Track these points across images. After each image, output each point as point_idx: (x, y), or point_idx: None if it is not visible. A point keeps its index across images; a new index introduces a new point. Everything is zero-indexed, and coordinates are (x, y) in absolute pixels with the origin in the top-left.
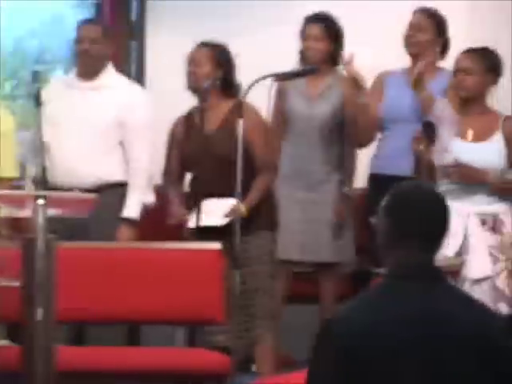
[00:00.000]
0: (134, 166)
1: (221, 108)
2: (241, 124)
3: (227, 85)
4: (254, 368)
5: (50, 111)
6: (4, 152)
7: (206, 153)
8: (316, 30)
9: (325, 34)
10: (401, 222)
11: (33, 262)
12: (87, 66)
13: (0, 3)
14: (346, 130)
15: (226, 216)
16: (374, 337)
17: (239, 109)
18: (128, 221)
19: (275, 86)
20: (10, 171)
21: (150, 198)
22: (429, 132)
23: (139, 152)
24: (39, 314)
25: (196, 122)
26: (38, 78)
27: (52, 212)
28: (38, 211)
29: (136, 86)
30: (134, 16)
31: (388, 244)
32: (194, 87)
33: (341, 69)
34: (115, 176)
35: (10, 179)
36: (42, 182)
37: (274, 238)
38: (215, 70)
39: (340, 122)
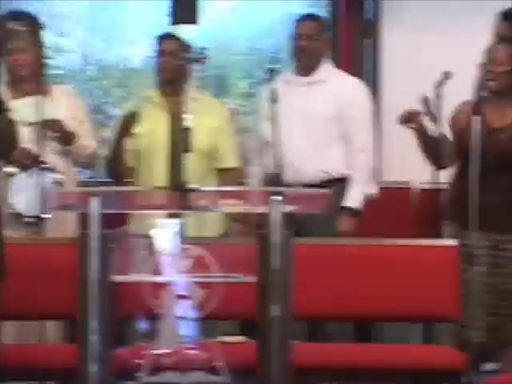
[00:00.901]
0: (357, 157)
1: None
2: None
3: None
4: (487, 367)
5: (269, 110)
6: (223, 143)
7: (490, 149)
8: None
9: None
10: None
11: (269, 257)
12: (304, 62)
13: (234, 3)
14: None
15: None
16: None
17: None
18: (349, 210)
19: None
20: (233, 161)
21: (373, 190)
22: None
23: (362, 144)
24: (275, 310)
25: (484, 115)
26: (273, 76)
27: (288, 208)
28: (274, 207)
29: (354, 79)
30: (368, 14)
31: None
32: (488, 86)
33: None
34: (339, 170)
35: (234, 169)
36: (278, 179)
37: None
38: None
39: None
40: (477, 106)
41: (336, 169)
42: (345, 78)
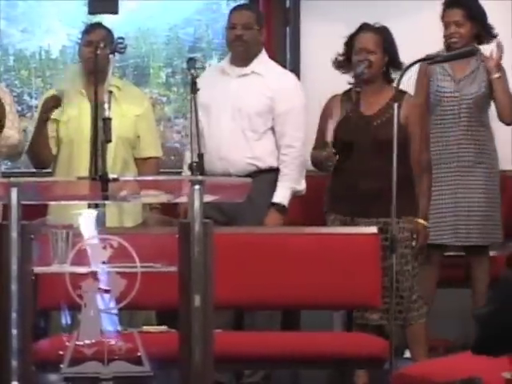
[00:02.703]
0: (286, 153)
1: (382, 94)
2: (399, 111)
3: (389, 71)
4: (407, 354)
5: (202, 98)
6: (144, 133)
7: (365, 137)
8: (456, 15)
9: (465, 18)
10: None
11: (189, 247)
12: (241, 52)
13: None
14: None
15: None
16: None
17: (401, 98)
18: (277, 206)
19: (420, 67)
20: (153, 151)
21: (302, 186)
22: None
23: (292, 139)
24: (197, 299)
25: (354, 105)
26: (193, 65)
27: (209, 198)
28: (195, 196)
29: (288, 73)
30: (288, 2)
31: None
32: (362, 75)
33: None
34: (266, 161)
35: (153, 159)
36: (199, 168)
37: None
38: (384, 55)
39: (487, 100)
40: (347, 96)
41: (264, 160)
42: (277, 71)
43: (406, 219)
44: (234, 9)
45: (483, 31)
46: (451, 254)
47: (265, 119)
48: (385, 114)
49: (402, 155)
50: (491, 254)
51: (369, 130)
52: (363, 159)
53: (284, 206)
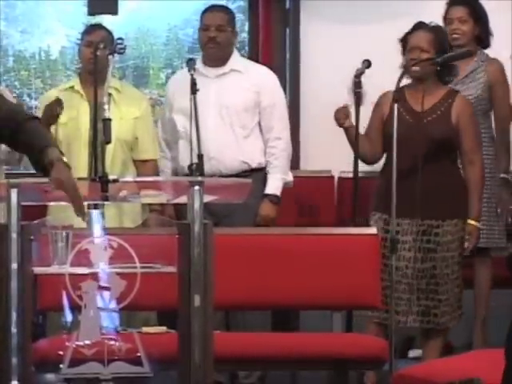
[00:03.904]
0: (275, 145)
1: (434, 92)
2: (450, 110)
3: (444, 70)
4: (411, 354)
5: (182, 103)
6: (142, 135)
7: (416, 134)
8: (460, 12)
9: (469, 15)
10: None
11: (189, 247)
12: (215, 54)
13: None
14: (495, 112)
15: None
16: None
17: (453, 96)
18: (271, 197)
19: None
20: (152, 153)
21: (291, 177)
22: None
23: (279, 131)
24: (196, 299)
25: (406, 102)
26: (192, 66)
27: (208, 198)
28: (195, 197)
29: (266, 68)
30: (288, 4)
31: None
32: (413, 73)
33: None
34: (257, 160)
35: (152, 161)
36: (199, 169)
37: (463, 226)
38: (436, 54)
39: (486, 103)
40: (398, 94)
41: (254, 159)
42: (256, 67)
43: (450, 222)
44: (207, 10)
45: (484, 33)
46: None
47: (252, 114)
48: (436, 111)
49: (451, 155)
50: (492, 255)
51: (420, 127)
52: (412, 157)
53: (277, 197)
